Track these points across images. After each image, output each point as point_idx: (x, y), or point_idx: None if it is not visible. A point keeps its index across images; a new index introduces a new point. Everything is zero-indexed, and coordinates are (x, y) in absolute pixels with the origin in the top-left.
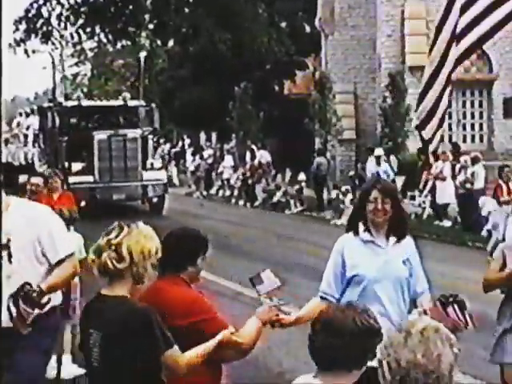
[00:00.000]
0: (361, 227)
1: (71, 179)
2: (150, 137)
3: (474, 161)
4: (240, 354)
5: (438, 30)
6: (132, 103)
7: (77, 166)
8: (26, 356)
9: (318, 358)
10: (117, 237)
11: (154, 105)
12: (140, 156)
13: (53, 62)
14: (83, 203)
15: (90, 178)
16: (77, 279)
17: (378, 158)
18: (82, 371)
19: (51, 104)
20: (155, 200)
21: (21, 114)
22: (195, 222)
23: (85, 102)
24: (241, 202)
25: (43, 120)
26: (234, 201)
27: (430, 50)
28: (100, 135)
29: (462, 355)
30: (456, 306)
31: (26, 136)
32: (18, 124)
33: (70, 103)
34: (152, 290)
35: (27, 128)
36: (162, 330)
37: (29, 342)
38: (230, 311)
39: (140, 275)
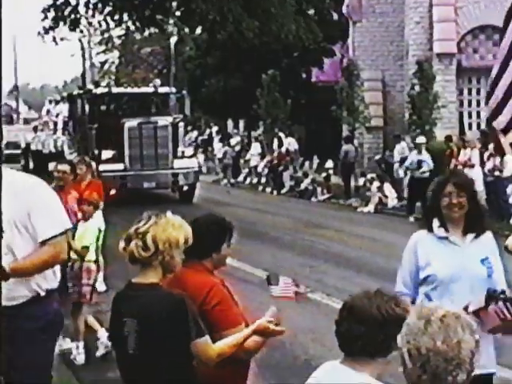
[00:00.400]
0: (435, 223)
1: (101, 167)
2: (181, 124)
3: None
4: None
5: (508, 18)
6: (163, 90)
7: (107, 154)
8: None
9: (343, 343)
10: (144, 226)
11: (184, 92)
12: (171, 144)
13: (82, 49)
14: (113, 191)
15: (120, 166)
16: (90, 265)
17: (419, 146)
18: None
19: (81, 91)
20: (186, 188)
21: (50, 102)
22: (222, 210)
23: (115, 89)
24: (268, 190)
25: (73, 107)
26: (261, 188)
27: (500, 40)
28: (130, 122)
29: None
30: (503, 303)
31: (55, 123)
32: (48, 111)
33: (100, 90)
34: (174, 277)
35: (57, 115)
36: (194, 319)
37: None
38: (256, 298)
39: (167, 264)
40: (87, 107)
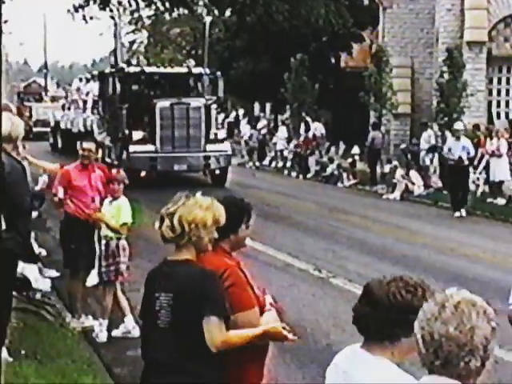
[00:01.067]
0: None
1: (131, 148)
2: (214, 106)
3: None
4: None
5: None
6: (196, 71)
7: (137, 135)
8: None
9: (355, 323)
10: (173, 207)
11: (218, 73)
12: (203, 125)
13: (115, 25)
14: (143, 173)
15: (150, 148)
16: (124, 242)
17: (457, 133)
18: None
19: (113, 70)
20: (218, 172)
21: (81, 80)
22: (247, 192)
23: (148, 69)
24: (293, 174)
25: (103, 86)
26: (286, 172)
27: None
28: (162, 103)
29: None
30: None
31: (85, 102)
32: (78, 89)
33: (132, 69)
34: None
35: (87, 94)
36: (223, 296)
37: None
38: (278, 282)
39: (196, 244)
40: (118, 86)
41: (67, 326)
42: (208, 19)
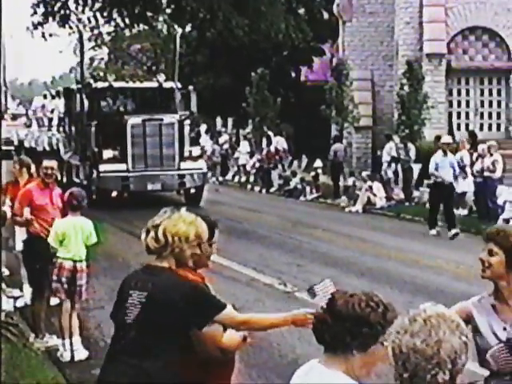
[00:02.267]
0: None
1: (102, 167)
2: (187, 122)
3: (493, 150)
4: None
5: None
6: (167, 85)
7: (108, 153)
8: None
9: (314, 334)
10: (159, 219)
11: (191, 87)
12: (177, 143)
13: (81, 37)
14: (114, 193)
15: (122, 166)
16: (83, 265)
17: (444, 147)
18: (87, 353)
19: (79, 85)
20: (193, 191)
21: (45, 97)
22: (210, 208)
23: (116, 84)
24: (256, 188)
25: (70, 102)
26: (249, 187)
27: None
28: (133, 119)
29: None
30: None
31: (50, 120)
32: (43, 106)
33: (100, 84)
34: None
35: (52, 111)
36: (211, 296)
37: None
38: (244, 297)
39: (178, 256)
40: (86, 102)
41: (31, 346)
42: (179, 32)
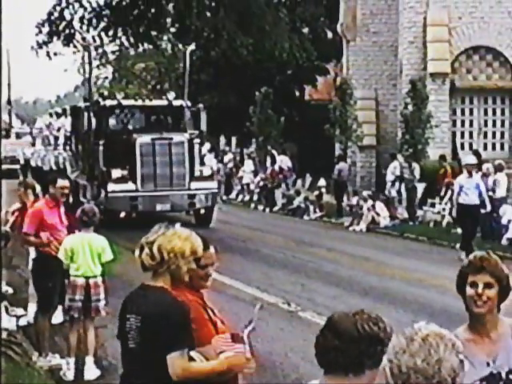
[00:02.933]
0: None
1: (110, 187)
2: (197, 141)
3: (498, 169)
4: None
5: None
6: (177, 103)
7: (116, 173)
8: None
9: (318, 355)
10: (153, 236)
11: (201, 105)
12: (187, 162)
13: (89, 55)
14: (123, 214)
15: (131, 186)
16: (98, 280)
17: (469, 168)
18: (99, 373)
19: (87, 103)
20: (203, 211)
21: (51, 115)
22: (214, 226)
23: (125, 102)
24: (260, 207)
25: (77, 121)
26: (253, 206)
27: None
28: (143, 138)
29: None
30: None
31: (56, 138)
32: (49, 125)
33: (108, 102)
34: None
35: (58, 130)
36: (184, 327)
37: None
38: (247, 316)
39: (174, 272)
40: (94, 121)
41: (34, 366)
42: (190, 48)
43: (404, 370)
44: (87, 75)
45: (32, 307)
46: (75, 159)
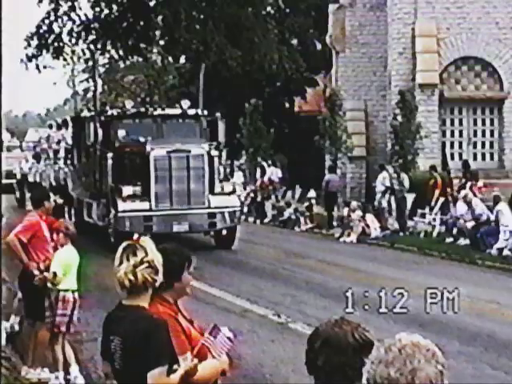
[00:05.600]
0: None
1: (121, 206)
2: (215, 153)
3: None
4: None
5: None
6: (192, 112)
7: (128, 190)
8: None
9: (320, 375)
10: (146, 254)
11: (218, 114)
12: (207, 177)
13: (93, 61)
14: (136, 236)
15: (144, 205)
16: (70, 296)
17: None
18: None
19: (92, 113)
20: (225, 232)
21: (51, 127)
22: (204, 238)
23: (135, 110)
24: (250, 219)
25: (79, 132)
26: (243, 217)
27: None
28: (157, 151)
29: (470, 374)
30: None
31: (56, 152)
32: (48, 137)
33: (116, 111)
34: None
35: (58, 143)
36: (163, 345)
37: None
38: (237, 328)
39: (152, 289)
40: (100, 132)
41: (22, 380)
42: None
43: (378, 381)
44: (76, 89)
45: (13, 319)
46: (78, 175)
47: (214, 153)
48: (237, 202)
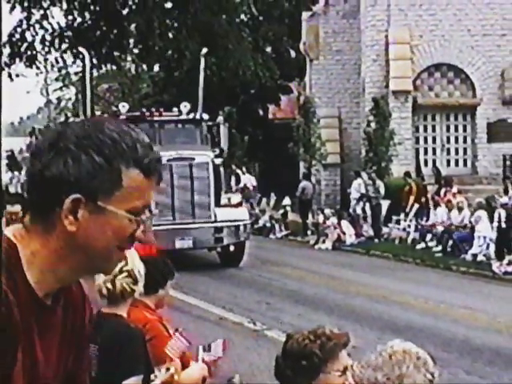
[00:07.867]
0: None
1: None
2: (219, 161)
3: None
4: None
5: None
6: (192, 116)
7: None
8: None
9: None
10: (126, 263)
11: (220, 118)
12: (212, 187)
13: (84, 68)
14: None
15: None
16: None
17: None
18: None
19: (83, 118)
20: (232, 248)
21: (31, 134)
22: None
23: (130, 114)
24: None
25: None
26: None
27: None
28: None
29: (445, 379)
30: None
31: None
32: (30, 146)
33: (109, 115)
34: None
35: None
36: (138, 355)
37: None
38: (212, 336)
39: (131, 296)
40: None
41: None
42: (204, 50)
43: None
44: (49, 97)
45: None
46: None
47: (218, 161)
48: (246, 215)
